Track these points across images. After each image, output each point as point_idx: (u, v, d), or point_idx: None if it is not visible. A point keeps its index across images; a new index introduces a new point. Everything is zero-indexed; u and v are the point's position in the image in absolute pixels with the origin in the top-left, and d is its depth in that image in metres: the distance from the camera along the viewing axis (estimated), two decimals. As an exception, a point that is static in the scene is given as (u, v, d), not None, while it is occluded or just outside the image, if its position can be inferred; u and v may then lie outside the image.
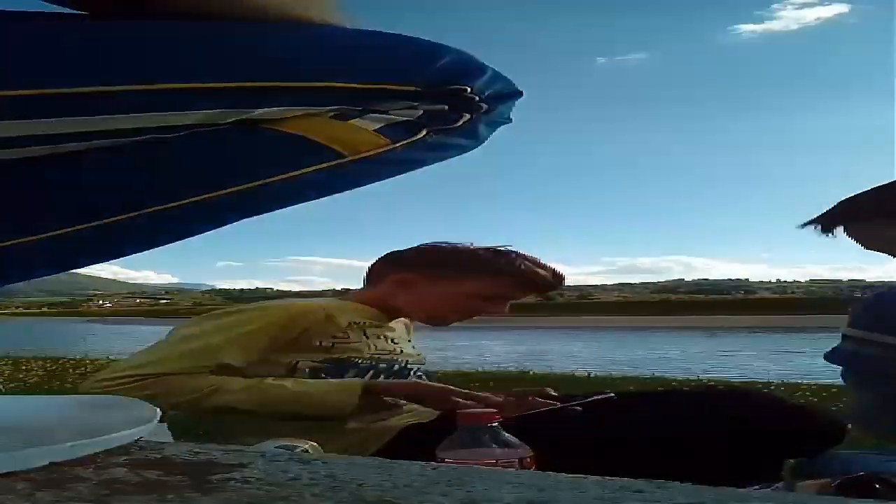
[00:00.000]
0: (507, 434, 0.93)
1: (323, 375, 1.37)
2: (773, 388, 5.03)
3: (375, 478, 0.42)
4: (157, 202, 0.49)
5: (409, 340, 1.64)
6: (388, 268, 1.58)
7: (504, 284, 1.52)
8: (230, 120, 0.47)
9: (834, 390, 4.78)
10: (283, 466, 0.45)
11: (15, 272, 0.52)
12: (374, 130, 0.51)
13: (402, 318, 1.66)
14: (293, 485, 0.40)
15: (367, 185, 0.55)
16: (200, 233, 0.54)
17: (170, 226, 0.51)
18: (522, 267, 1.52)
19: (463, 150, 0.57)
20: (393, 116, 0.51)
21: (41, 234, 0.48)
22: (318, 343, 1.39)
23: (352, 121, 0.51)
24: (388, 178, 0.56)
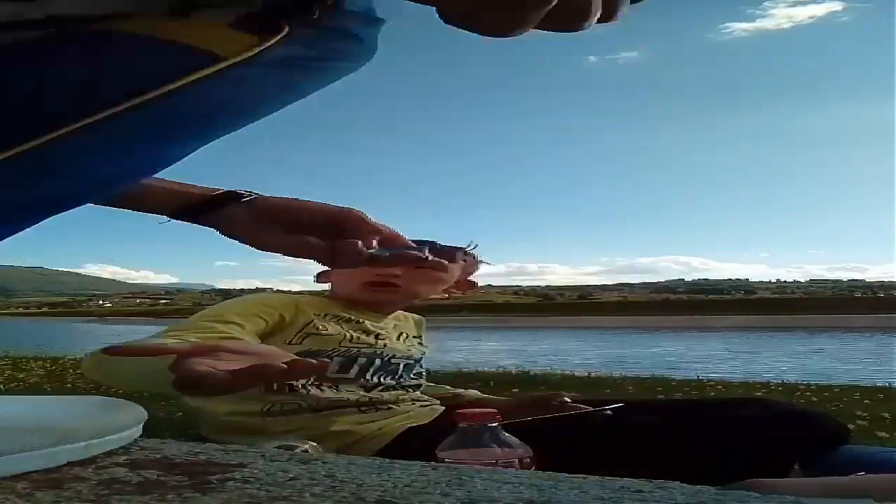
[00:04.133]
0: (507, 434, 0.93)
1: None
2: (772, 388, 5.03)
3: (375, 478, 0.42)
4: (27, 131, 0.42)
5: (413, 337, 1.64)
6: None
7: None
8: (33, 17, 0.41)
9: (836, 390, 4.78)
10: (283, 466, 0.45)
11: None
12: (228, 25, 0.47)
13: (410, 315, 1.67)
14: (293, 485, 0.40)
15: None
16: (99, 176, 0.48)
17: (56, 161, 0.44)
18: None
19: (356, 57, 0.54)
20: (232, 8, 0.47)
21: None
22: (292, 335, 1.39)
23: (195, 16, 0.46)
24: (294, 95, 0.52)
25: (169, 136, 0.48)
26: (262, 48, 0.48)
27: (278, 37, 0.49)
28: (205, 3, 0.47)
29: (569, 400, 1.44)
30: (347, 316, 1.49)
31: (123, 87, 0.44)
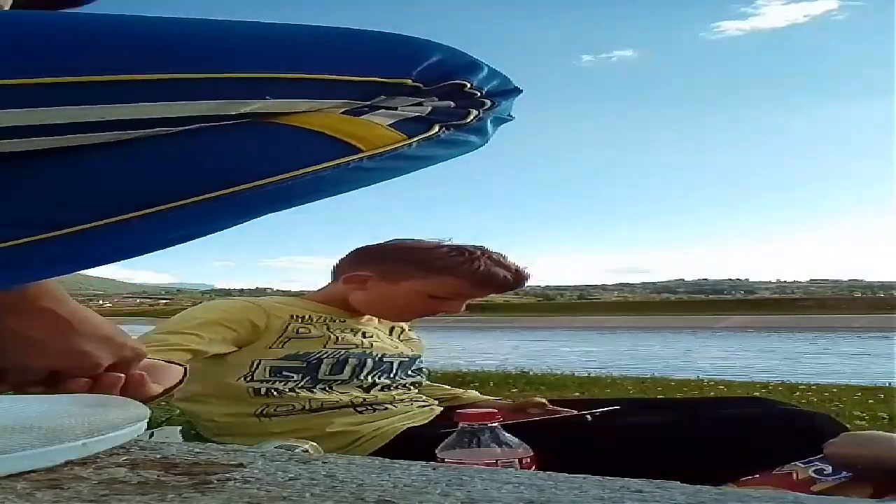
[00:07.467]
0: (507, 434, 0.93)
1: (284, 373, 1.35)
2: (772, 388, 5.03)
3: (375, 478, 0.42)
4: (177, 197, 0.47)
5: (408, 329, 1.63)
6: (346, 265, 1.56)
7: (455, 284, 1.46)
8: (233, 112, 0.47)
9: (834, 390, 4.78)
10: (283, 466, 0.45)
11: (32, 271, 0.50)
12: (388, 126, 0.52)
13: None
14: (293, 485, 0.40)
15: (366, 188, 0.55)
16: (219, 230, 0.53)
17: (191, 222, 0.50)
18: (477, 266, 1.45)
19: (473, 147, 0.58)
20: (403, 113, 0.52)
21: (64, 230, 0.46)
22: (273, 340, 1.37)
23: (363, 117, 0.51)
24: (402, 174, 0.56)
25: (259, 211, 0.52)
26: (402, 144, 0.52)
27: (423, 136, 0.53)
28: (382, 107, 0.51)
29: (548, 405, 1.44)
30: (329, 316, 1.46)
31: (254, 170, 0.48)
